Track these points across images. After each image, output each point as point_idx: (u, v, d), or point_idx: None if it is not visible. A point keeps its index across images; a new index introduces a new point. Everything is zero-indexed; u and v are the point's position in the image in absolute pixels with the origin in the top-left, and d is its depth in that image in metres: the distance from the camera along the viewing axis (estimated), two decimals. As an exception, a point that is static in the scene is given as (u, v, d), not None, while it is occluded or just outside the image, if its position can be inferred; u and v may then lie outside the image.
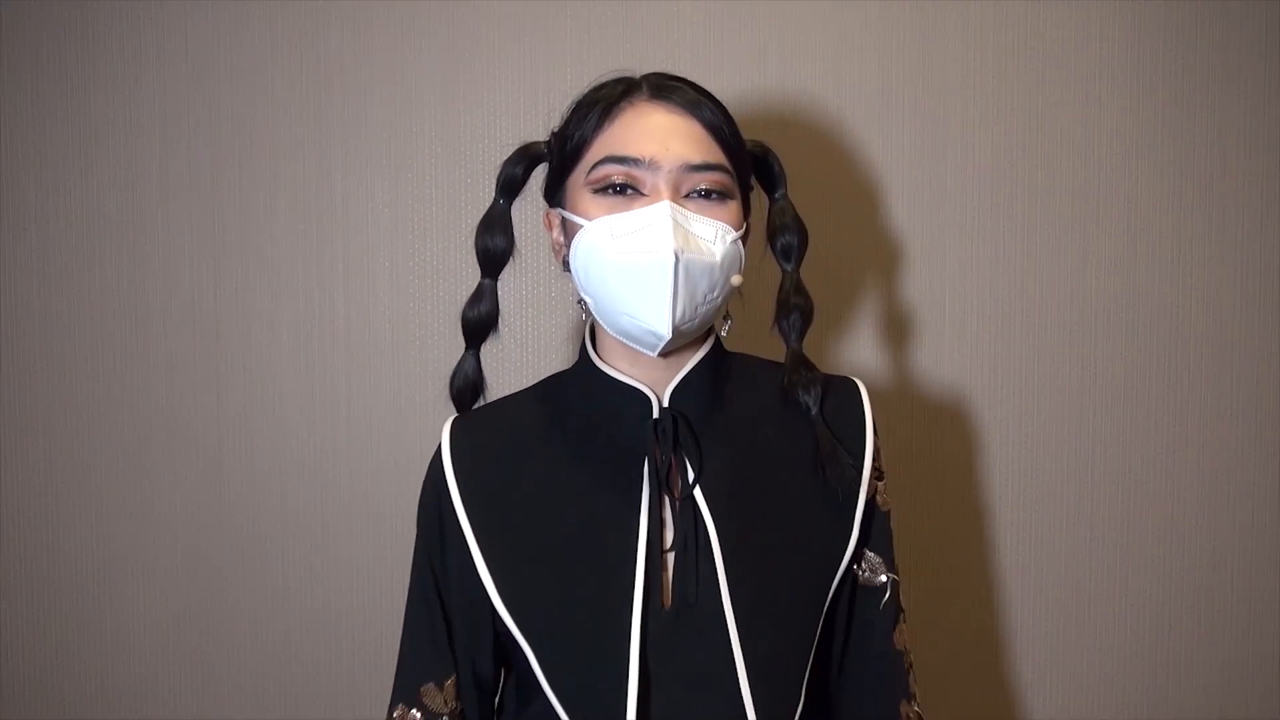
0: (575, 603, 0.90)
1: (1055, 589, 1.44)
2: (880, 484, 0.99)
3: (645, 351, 0.92)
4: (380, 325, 1.41)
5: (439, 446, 0.98)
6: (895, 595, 0.99)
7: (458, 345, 1.37)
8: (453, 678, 0.98)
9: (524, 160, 1.00)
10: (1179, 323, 1.43)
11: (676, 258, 0.84)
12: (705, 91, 0.93)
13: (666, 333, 0.87)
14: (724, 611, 0.88)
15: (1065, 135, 1.41)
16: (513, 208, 1.01)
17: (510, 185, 1.00)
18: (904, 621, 1.00)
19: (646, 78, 0.94)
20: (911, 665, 1.01)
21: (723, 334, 0.98)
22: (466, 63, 1.39)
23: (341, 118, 1.39)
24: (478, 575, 0.93)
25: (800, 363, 0.97)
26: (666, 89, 0.92)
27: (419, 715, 0.97)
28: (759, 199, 1.00)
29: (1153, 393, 1.44)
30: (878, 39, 1.39)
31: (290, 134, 1.39)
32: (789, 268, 0.99)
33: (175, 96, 1.39)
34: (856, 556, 0.97)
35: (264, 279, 1.40)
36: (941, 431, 1.42)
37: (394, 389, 1.41)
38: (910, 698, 1.00)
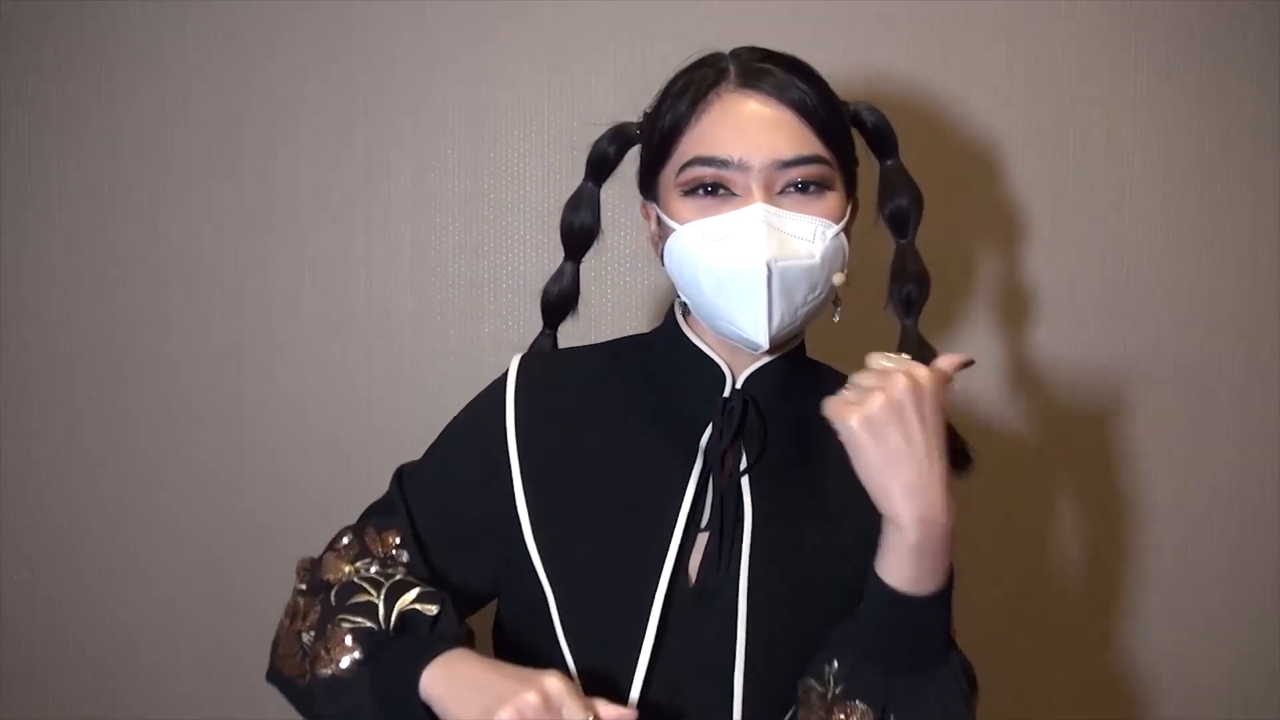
0: (608, 565, 0.89)
1: (1114, 584, 1.43)
2: None
3: (744, 349, 0.90)
4: (402, 299, 1.38)
5: (504, 379, 0.95)
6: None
7: (480, 319, 1.35)
8: (399, 534, 0.92)
9: (617, 140, 0.96)
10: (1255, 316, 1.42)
11: (769, 269, 0.81)
12: (798, 67, 0.88)
13: (764, 343, 0.84)
14: (738, 602, 0.87)
15: (1099, 121, 1.40)
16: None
17: (600, 165, 0.97)
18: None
19: (736, 57, 0.88)
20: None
21: (835, 319, 0.93)
22: (491, 33, 1.37)
23: (364, 88, 1.37)
24: (503, 513, 0.90)
25: (916, 342, 0.94)
26: (755, 74, 0.86)
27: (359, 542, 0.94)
28: (868, 166, 0.94)
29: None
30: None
31: (313, 104, 1.37)
32: (903, 239, 0.94)
33: (196, 67, 1.37)
34: None
35: (285, 252, 1.38)
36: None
37: (416, 364, 1.39)
38: None
